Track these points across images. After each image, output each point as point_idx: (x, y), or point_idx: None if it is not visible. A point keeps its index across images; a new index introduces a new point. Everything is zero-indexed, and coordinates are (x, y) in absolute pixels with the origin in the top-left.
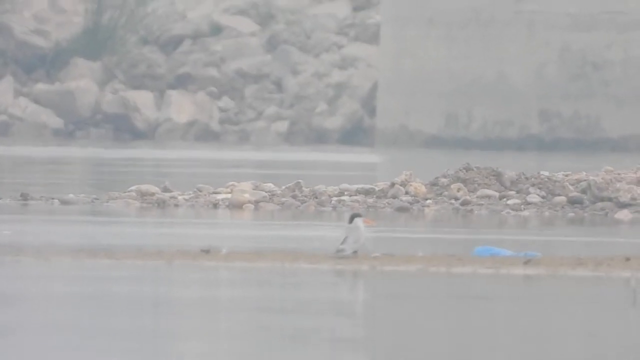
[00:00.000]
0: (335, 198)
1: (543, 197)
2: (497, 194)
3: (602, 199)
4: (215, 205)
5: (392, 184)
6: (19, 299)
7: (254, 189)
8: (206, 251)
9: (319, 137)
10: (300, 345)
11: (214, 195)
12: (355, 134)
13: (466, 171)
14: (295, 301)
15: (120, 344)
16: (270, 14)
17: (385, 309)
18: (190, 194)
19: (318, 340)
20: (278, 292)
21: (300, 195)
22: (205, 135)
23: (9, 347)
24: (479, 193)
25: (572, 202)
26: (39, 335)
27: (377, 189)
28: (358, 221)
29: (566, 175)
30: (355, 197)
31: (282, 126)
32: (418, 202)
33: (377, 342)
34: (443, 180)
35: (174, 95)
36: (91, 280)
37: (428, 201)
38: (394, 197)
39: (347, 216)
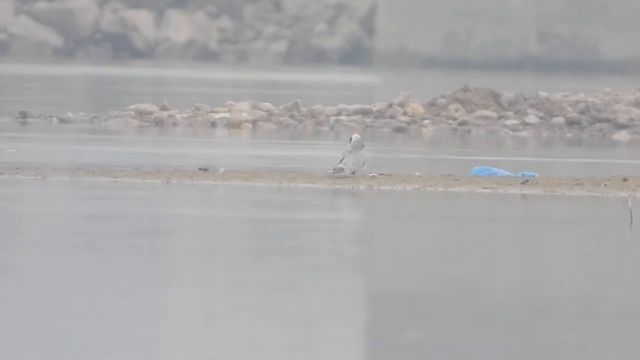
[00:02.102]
0: (333, 118)
1: (541, 118)
2: (495, 115)
3: (600, 120)
4: (213, 124)
5: (390, 104)
6: (17, 216)
7: (252, 109)
8: (204, 170)
9: (318, 58)
10: (296, 265)
11: (212, 114)
12: (353, 55)
13: (464, 92)
14: (292, 221)
15: (115, 262)
16: None
17: (382, 229)
18: (188, 112)
19: (315, 261)
20: (275, 211)
21: (298, 115)
22: (204, 54)
23: (6, 266)
24: (476, 113)
25: (570, 122)
26: (34, 255)
27: (374, 109)
28: (358, 141)
29: (564, 96)
30: (353, 117)
31: (281, 46)
32: (416, 122)
33: (375, 262)
34: (441, 100)
35: (172, 14)
36: (89, 198)
37: (426, 121)
38: (392, 117)
39: (346, 136)
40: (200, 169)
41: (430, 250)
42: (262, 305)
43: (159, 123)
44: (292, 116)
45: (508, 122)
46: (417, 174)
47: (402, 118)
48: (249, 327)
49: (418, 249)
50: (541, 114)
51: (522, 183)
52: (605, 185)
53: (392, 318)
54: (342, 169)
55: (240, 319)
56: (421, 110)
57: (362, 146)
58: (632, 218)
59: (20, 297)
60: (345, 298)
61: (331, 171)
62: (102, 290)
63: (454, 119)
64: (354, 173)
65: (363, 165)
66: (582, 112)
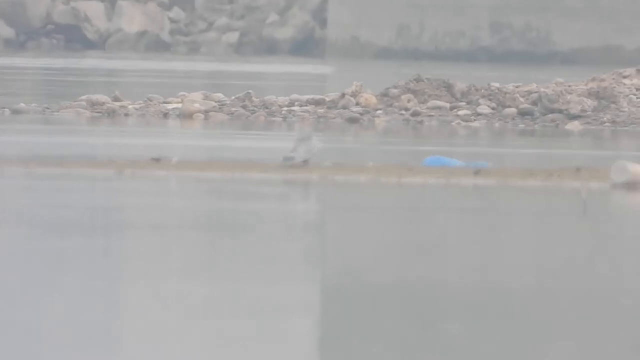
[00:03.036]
0: (285, 108)
1: (493, 109)
2: (447, 105)
3: (552, 111)
4: (166, 115)
5: (343, 95)
6: None
7: (204, 99)
8: (157, 160)
9: (270, 48)
10: (249, 261)
11: (165, 104)
12: (306, 45)
13: (417, 82)
14: (245, 211)
15: (67, 262)
16: None
17: (335, 220)
18: (140, 103)
19: (269, 255)
20: (228, 202)
21: (250, 105)
22: (156, 45)
23: None
24: (429, 104)
25: (523, 113)
26: None
27: (327, 99)
28: (309, 131)
29: (517, 87)
30: (305, 108)
31: (233, 37)
32: (368, 112)
33: (328, 252)
34: (393, 91)
35: (124, 5)
36: (41, 190)
37: (378, 112)
38: (345, 107)
39: (298, 127)
40: (152, 159)
41: (384, 241)
42: (219, 296)
43: (111, 114)
44: (244, 107)
45: (460, 113)
46: (370, 164)
47: (355, 108)
48: (208, 320)
49: (372, 240)
50: (493, 104)
51: (475, 173)
52: (559, 175)
53: (342, 309)
54: (293, 157)
55: (199, 312)
56: (374, 100)
57: (311, 136)
58: (585, 208)
59: None
60: (300, 289)
61: (282, 159)
62: (44, 278)
63: (407, 109)
64: (306, 161)
65: (315, 153)
66: (534, 103)
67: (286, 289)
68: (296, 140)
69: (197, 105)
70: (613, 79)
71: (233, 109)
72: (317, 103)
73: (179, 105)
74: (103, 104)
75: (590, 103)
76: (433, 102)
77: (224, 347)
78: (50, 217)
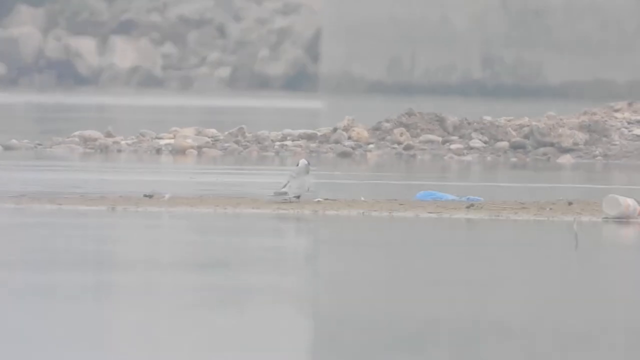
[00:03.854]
0: (278, 143)
1: (485, 142)
2: (439, 139)
3: (544, 144)
4: (158, 151)
5: (335, 129)
6: None
7: (196, 135)
8: (149, 196)
9: (262, 83)
10: (242, 298)
11: (157, 140)
12: (298, 80)
13: (409, 116)
14: (236, 248)
15: (58, 301)
16: None
17: (327, 256)
18: (133, 139)
19: (259, 294)
20: (219, 238)
21: (243, 140)
22: (148, 81)
23: None
24: (421, 138)
25: (515, 147)
26: None
27: (319, 134)
28: (304, 167)
29: (508, 121)
30: (298, 142)
31: (225, 72)
32: (360, 146)
33: (318, 292)
34: (386, 125)
35: (116, 41)
36: (33, 225)
37: (370, 146)
38: (337, 142)
39: (291, 162)
40: (145, 195)
41: (376, 276)
42: (207, 330)
43: (103, 150)
44: (237, 142)
45: (453, 147)
46: (362, 198)
47: (347, 143)
48: (195, 352)
49: (363, 275)
50: (485, 138)
51: (468, 207)
52: (551, 209)
53: (332, 344)
54: (286, 192)
55: (187, 344)
56: (366, 134)
57: (308, 171)
58: (577, 242)
59: None
60: (288, 324)
61: (272, 194)
62: (37, 315)
63: (399, 143)
64: (298, 197)
65: (308, 190)
66: (526, 137)
67: (277, 322)
68: (290, 176)
69: (189, 140)
70: (604, 112)
71: (226, 144)
72: (310, 137)
73: (172, 141)
74: (96, 139)
75: (582, 136)
76: (425, 136)
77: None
78: (42, 253)
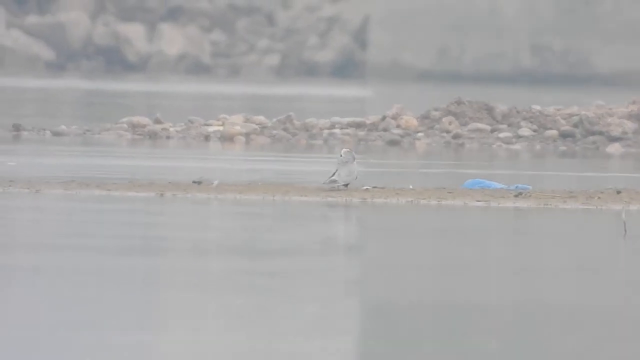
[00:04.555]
0: (326, 131)
1: (534, 131)
2: (488, 128)
3: (593, 133)
4: (207, 138)
5: (384, 117)
6: (10, 231)
7: (245, 122)
8: (198, 183)
9: (310, 71)
10: (290, 284)
11: (206, 127)
12: (346, 68)
13: (458, 105)
14: (285, 235)
15: (106, 283)
16: None
17: (375, 243)
18: (182, 125)
19: (310, 279)
20: (268, 224)
21: (291, 128)
22: (196, 68)
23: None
24: (470, 126)
25: (564, 135)
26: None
27: (368, 122)
28: (351, 155)
29: (557, 110)
30: (346, 130)
31: (274, 59)
32: (409, 135)
33: (369, 279)
34: (434, 113)
35: (165, 28)
36: (82, 211)
37: (419, 134)
38: (385, 130)
39: (339, 150)
40: (194, 182)
41: (425, 263)
42: (259, 314)
43: (152, 136)
44: (285, 129)
45: (501, 135)
46: (411, 186)
47: (396, 131)
48: (250, 337)
49: (412, 262)
50: (534, 127)
51: (516, 196)
52: (599, 197)
53: (386, 330)
54: (336, 180)
55: (239, 329)
56: (415, 123)
57: (354, 158)
58: (625, 231)
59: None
60: (341, 308)
61: (326, 182)
62: (91, 302)
63: (448, 131)
64: (347, 185)
65: (356, 178)
66: (575, 125)
67: (327, 309)
68: (338, 164)
69: (238, 127)
70: None
71: (274, 131)
72: (358, 126)
73: (220, 127)
74: (144, 126)
75: (630, 125)
76: (474, 125)
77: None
78: (89, 238)
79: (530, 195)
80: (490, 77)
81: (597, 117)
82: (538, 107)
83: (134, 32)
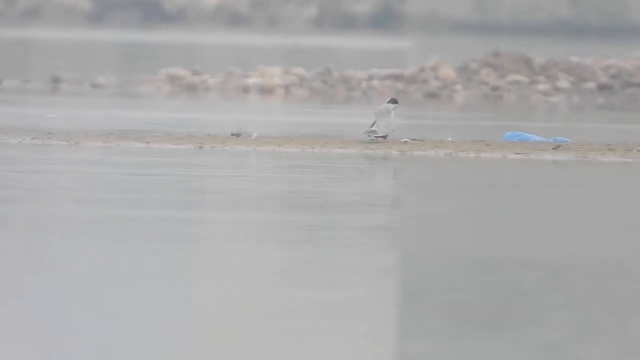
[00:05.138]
0: (364, 83)
1: (572, 83)
2: (526, 80)
3: (631, 85)
4: (246, 90)
5: (422, 69)
6: (49, 181)
7: (283, 74)
8: (237, 135)
9: (348, 22)
10: (328, 235)
11: (244, 79)
12: (384, 19)
13: (495, 56)
14: (324, 188)
15: (150, 240)
16: None
17: (414, 196)
18: (220, 77)
19: (346, 229)
20: (306, 176)
21: (330, 80)
22: (234, 19)
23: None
24: (508, 78)
25: (602, 87)
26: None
27: (406, 74)
28: (389, 106)
29: (596, 61)
30: (384, 82)
31: (312, 10)
32: (447, 87)
33: (407, 231)
34: (472, 65)
35: None
36: (121, 164)
37: (457, 86)
38: (424, 82)
39: (378, 102)
40: (232, 134)
41: (462, 220)
42: (298, 266)
43: (190, 88)
44: (324, 81)
45: (540, 87)
46: (449, 139)
47: (434, 83)
48: (294, 287)
49: (454, 216)
50: (572, 78)
51: (554, 148)
52: (638, 150)
53: (435, 283)
54: (375, 131)
55: (277, 285)
56: (453, 74)
57: (390, 111)
58: None
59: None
60: (380, 262)
61: (366, 133)
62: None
63: (486, 83)
64: (385, 137)
65: (394, 130)
66: (613, 77)
67: (369, 260)
68: (376, 115)
69: (276, 79)
70: None
71: (313, 83)
72: (396, 77)
73: (259, 79)
74: (183, 78)
75: None
76: (512, 77)
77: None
78: (131, 193)
79: (568, 148)
80: (527, 28)
81: (636, 69)
82: (576, 59)
83: None
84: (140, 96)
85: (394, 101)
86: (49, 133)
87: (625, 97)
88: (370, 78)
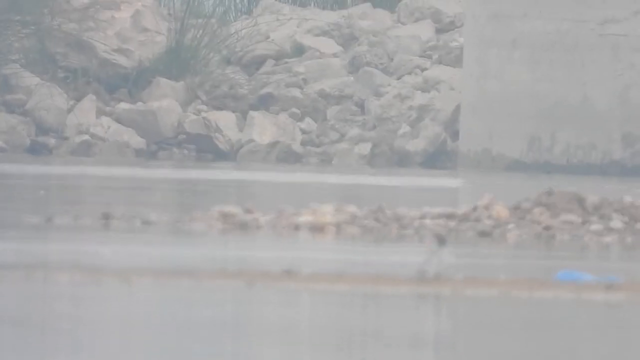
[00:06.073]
0: (417, 221)
1: (626, 223)
2: (579, 219)
3: None
4: (297, 227)
5: (475, 208)
6: (99, 322)
7: (336, 211)
8: (288, 272)
9: (401, 160)
10: None
11: (296, 217)
12: (437, 157)
13: (548, 195)
14: (375, 327)
15: None
16: (353, 35)
17: (466, 337)
18: (272, 215)
19: None
20: (358, 316)
21: (382, 218)
22: (287, 156)
23: None
24: (561, 218)
25: None
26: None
27: (459, 212)
28: (441, 244)
29: None
30: (437, 221)
31: (365, 148)
32: (500, 226)
33: None
34: (525, 204)
35: (256, 116)
36: (173, 301)
37: (510, 225)
38: (477, 220)
39: (430, 241)
40: (284, 271)
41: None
42: None
43: (242, 226)
44: (376, 219)
45: (593, 227)
46: (502, 277)
47: (487, 221)
48: None
49: (508, 355)
50: (626, 219)
51: (607, 287)
52: None
53: None
54: (426, 270)
55: None
56: (506, 213)
57: (444, 249)
58: None
59: None
60: None
61: (420, 267)
62: None
63: (539, 222)
64: (437, 275)
65: (446, 268)
66: None
67: None
68: (428, 251)
69: (328, 217)
70: None
71: (365, 221)
72: (449, 216)
73: (310, 217)
74: (234, 215)
75: None
76: (565, 216)
77: None
78: (180, 327)
79: (621, 288)
80: (581, 168)
81: None
82: (629, 199)
83: (225, 120)
84: (191, 233)
85: (441, 238)
86: (99, 269)
87: None
88: (423, 217)
